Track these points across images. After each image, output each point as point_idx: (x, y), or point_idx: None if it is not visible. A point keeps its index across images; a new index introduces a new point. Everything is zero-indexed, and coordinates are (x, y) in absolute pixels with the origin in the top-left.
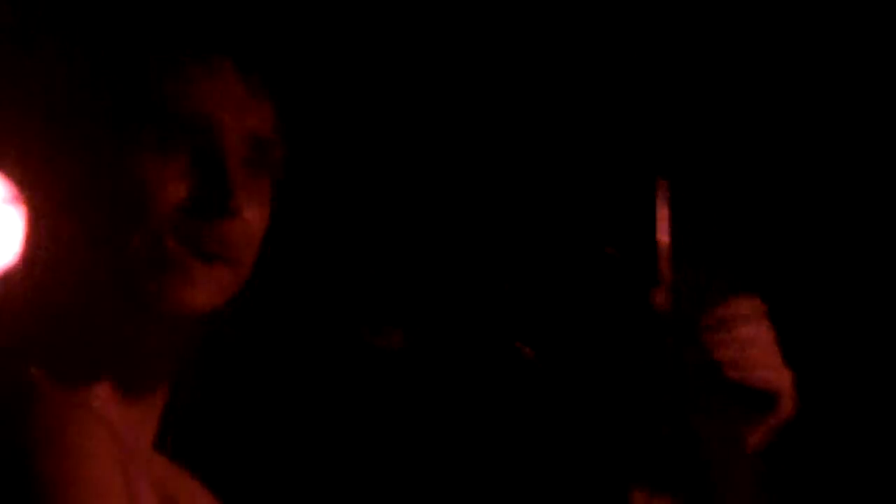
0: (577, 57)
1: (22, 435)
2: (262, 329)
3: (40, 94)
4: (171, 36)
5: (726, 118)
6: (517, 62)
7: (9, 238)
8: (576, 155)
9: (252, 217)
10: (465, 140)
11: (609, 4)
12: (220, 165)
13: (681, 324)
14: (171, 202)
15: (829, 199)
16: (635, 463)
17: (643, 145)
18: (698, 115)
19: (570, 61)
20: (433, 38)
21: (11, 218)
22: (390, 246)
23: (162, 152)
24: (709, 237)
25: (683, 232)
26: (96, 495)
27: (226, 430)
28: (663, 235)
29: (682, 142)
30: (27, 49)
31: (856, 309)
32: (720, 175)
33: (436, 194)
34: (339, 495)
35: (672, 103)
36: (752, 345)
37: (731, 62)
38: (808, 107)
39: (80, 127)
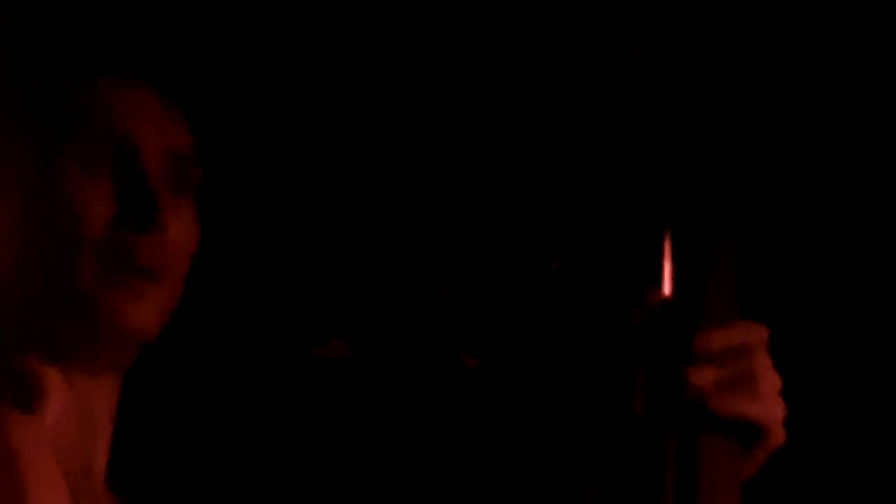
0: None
1: None
2: (206, 343)
3: None
4: (90, 55)
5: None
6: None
7: None
8: (524, 163)
9: (179, 234)
10: (410, 152)
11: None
12: (143, 181)
13: (669, 345)
14: (99, 221)
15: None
16: (584, 477)
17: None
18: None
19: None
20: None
21: None
22: (334, 256)
23: (87, 171)
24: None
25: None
26: None
27: (170, 447)
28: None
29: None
30: None
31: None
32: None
33: (381, 205)
34: None
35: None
36: (742, 381)
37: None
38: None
39: (9, 145)
